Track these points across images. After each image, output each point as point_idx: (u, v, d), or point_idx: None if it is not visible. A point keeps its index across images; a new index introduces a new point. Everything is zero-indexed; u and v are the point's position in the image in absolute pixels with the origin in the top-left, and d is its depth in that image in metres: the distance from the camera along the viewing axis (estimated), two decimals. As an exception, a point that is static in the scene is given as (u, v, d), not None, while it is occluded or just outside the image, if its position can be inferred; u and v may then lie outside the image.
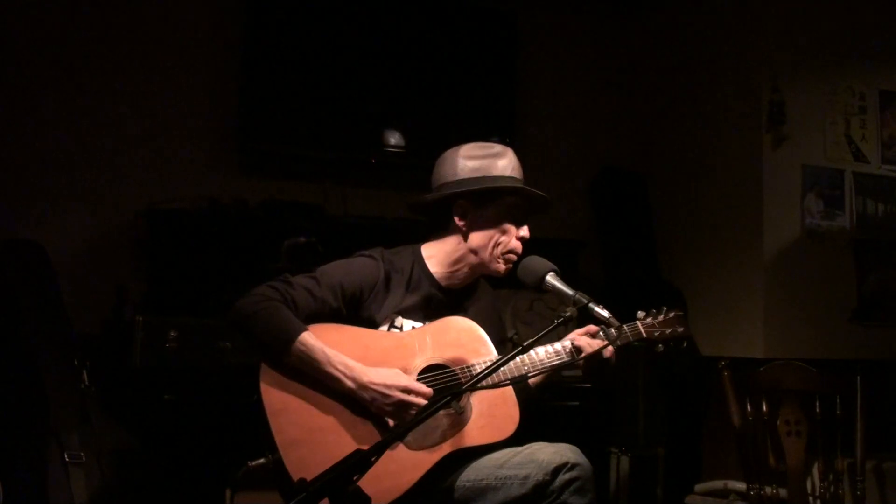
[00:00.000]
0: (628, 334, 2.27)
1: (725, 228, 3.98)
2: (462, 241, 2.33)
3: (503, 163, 2.32)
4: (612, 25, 4.57)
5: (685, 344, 2.32)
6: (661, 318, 2.31)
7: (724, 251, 3.97)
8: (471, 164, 2.32)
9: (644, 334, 2.28)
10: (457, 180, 2.31)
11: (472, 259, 2.33)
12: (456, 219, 2.33)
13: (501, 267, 2.34)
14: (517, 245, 2.33)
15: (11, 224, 3.51)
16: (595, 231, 4.39)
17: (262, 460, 2.06)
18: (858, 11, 3.98)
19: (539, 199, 2.34)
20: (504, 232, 2.31)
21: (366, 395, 2.10)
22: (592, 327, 2.26)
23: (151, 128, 3.83)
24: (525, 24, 4.32)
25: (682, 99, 4.29)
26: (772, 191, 3.80)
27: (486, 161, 2.32)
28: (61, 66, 3.71)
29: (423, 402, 2.11)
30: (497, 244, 2.31)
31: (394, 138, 4.00)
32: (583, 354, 2.20)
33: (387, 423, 2.12)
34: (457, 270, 2.35)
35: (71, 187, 3.70)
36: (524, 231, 2.34)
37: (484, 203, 2.31)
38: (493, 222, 2.31)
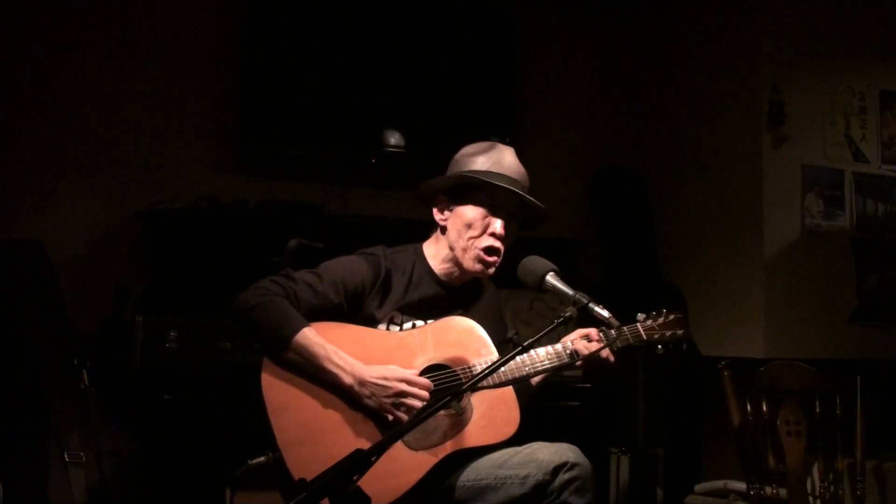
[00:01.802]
0: (628, 336, 2.26)
1: (725, 228, 3.97)
2: (444, 238, 2.33)
3: (483, 159, 2.29)
4: (612, 25, 4.56)
5: (684, 346, 2.32)
6: (660, 320, 2.29)
7: (724, 251, 3.97)
8: (460, 160, 2.33)
9: (644, 336, 2.27)
10: (443, 177, 2.33)
11: (453, 256, 2.32)
12: (434, 212, 2.34)
13: (475, 266, 2.29)
14: (486, 241, 2.27)
15: (11, 224, 3.51)
16: (595, 231, 4.39)
17: (262, 459, 2.06)
18: (858, 11, 3.98)
19: (507, 193, 2.26)
20: (470, 226, 2.27)
21: (365, 391, 2.10)
22: (593, 330, 2.24)
23: (151, 128, 3.83)
24: (525, 23, 4.31)
25: (683, 99, 4.29)
26: (772, 191, 3.80)
27: (470, 158, 2.31)
28: (61, 66, 3.71)
29: (424, 393, 2.11)
30: (468, 240, 2.27)
31: (394, 138, 4.00)
32: (582, 356, 2.19)
33: (388, 422, 2.12)
34: (449, 267, 2.34)
35: (71, 187, 3.70)
36: (494, 226, 2.26)
37: (458, 198, 2.30)
38: (463, 217, 2.28)
